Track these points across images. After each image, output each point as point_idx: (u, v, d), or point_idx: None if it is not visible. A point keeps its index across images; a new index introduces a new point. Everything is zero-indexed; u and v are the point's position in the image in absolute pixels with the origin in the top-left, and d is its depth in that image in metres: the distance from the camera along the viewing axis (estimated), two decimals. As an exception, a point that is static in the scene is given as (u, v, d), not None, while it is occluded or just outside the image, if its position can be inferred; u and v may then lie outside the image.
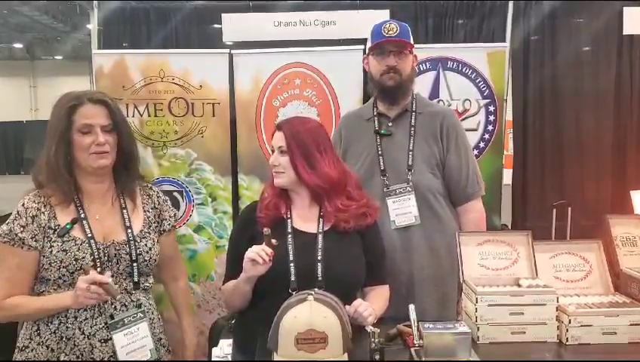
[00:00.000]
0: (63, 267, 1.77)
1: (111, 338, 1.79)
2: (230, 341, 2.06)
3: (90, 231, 1.81)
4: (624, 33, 3.72)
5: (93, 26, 3.81)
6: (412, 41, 2.39)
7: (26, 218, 1.77)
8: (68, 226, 1.79)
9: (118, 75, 3.35)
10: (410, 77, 2.41)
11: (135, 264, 1.85)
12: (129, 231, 1.87)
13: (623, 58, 3.78)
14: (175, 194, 3.38)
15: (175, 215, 2.07)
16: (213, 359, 2.20)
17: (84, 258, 1.77)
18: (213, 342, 2.63)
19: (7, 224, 1.78)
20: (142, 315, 1.86)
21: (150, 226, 1.95)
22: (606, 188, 3.80)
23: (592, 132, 3.79)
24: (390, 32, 2.36)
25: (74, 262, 1.76)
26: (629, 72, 3.79)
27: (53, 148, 1.78)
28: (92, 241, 1.79)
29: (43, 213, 1.79)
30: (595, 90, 3.79)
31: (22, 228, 1.76)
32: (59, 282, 1.78)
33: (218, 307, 3.35)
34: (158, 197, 2.01)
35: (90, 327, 1.79)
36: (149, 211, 1.96)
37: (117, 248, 1.83)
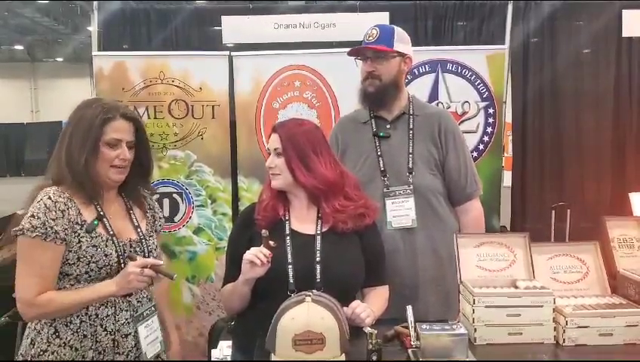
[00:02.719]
0: (93, 262, 1.77)
1: (130, 334, 1.82)
2: (229, 342, 2.08)
3: (112, 228, 1.83)
4: (623, 35, 3.73)
5: (93, 27, 3.82)
6: (395, 46, 2.34)
7: (56, 211, 1.74)
8: (95, 223, 1.80)
9: (118, 76, 3.36)
10: (395, 82, 2.38)
11: None
12: (139, 230, 1.91)
13: (622, 60, 3.78)
14: (175, 195, 3.40)
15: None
16: (212, 360, 2.22)
17: (111, 254, 1.79)
18: (212, 343, 2.64)
19: (36, 218, 1.72)
20: (154, 309, 1.91)
21: (152, 227, 2.00)
22: (605, 190, 3.79)
23: (592, 134, 3.79)
24: (369, 38, 2.36)
25: (104, 258, 1.78)
26: (627, 75, 3.78)
27: (81, 155, 1.77)
28: (114, 238, 1.82)
29: (70, 208, 1.77)
30: (595, 92, 3.79)
31: (54, 221, 1.73)
32: (82, 277, 1.77)
33: (218, 308, 3.35)
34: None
35: (113, 324, 1.80)
36: (147, 212, 2.01)
37: (132, 246, 1.87)
